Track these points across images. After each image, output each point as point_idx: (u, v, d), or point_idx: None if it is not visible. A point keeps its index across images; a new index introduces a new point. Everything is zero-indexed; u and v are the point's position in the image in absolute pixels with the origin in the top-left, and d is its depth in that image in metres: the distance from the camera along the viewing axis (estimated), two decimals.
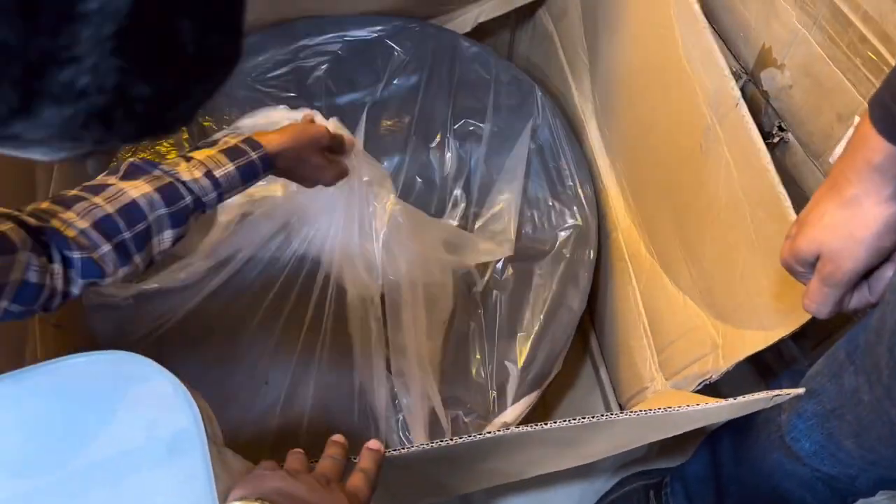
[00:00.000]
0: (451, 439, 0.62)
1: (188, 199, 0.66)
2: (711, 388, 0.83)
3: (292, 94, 1.15)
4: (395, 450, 0.62)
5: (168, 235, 0.65)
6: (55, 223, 0.59)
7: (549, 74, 1.28)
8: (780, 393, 0.64)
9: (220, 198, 0.69)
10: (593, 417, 0.65)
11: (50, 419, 0.48)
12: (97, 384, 0.49)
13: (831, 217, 0.54)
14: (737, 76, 0.85)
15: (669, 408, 0.64)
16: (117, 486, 0.46)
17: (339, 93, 1.18)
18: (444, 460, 0.72)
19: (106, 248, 0.60)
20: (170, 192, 0.65)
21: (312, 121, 0.85)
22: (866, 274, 0.56)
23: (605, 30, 1.03)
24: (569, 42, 1.19)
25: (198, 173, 0.67)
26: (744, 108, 0.73)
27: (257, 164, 0.72)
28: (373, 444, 0.61)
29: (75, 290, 0.60)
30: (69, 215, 0.60)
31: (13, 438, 0.47)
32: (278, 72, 1.14)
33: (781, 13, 0.76)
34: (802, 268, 0.58)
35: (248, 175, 0.71)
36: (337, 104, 1.17)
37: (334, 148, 0.85)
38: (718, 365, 0.82)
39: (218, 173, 0.68)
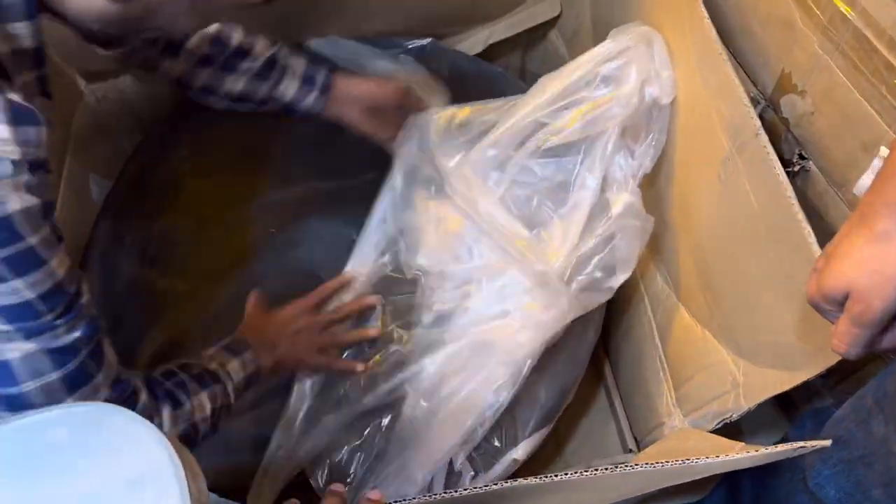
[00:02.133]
0: (457, 491, 0.59)
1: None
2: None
3: None
4: (396, 501, 0.59)
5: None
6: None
7: None
8: (806, 445, 0.60)
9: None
10: (611, 468, 0.62)
11: (14, 477, 0.45)
12: (71, 439, 0.46)
13: (860, 253, 0.51)
14: (755, 102, 0.82)
15: (690, 459, 0.61)
16: None
17: None
18: None
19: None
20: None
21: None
22: None
23: None
24: None
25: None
26: (764, 139, 0.70)
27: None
28: (373, 494, 0.58)
29: None
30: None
31: None
32: None
33: (802, 38, 0.73)
34: (830, 306, 0.54)
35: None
36: None
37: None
38: (740, 404, 0.78)
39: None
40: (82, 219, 1.04)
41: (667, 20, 0.85)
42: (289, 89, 0.90)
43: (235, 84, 0.88)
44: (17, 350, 0.53)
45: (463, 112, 0.95)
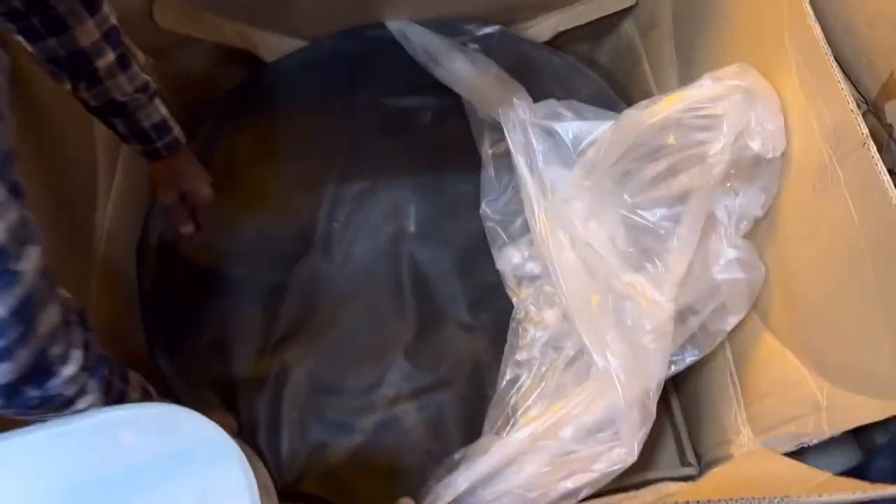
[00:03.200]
0: None
1: None
2: None
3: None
4: None
5: None
6: None
7: (631, 90, 1.20)
8: None
9: None
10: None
11: (86, 480, 0.43)
12: (142, 442, 0.44)
13: None
14: (856, 105, 0.77)
15: (787, 498, 0.56)
16: None
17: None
18: None
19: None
20: None
21: None
22: None
23: (702, 47, 0.95)
24: (657, 57, 1.12)
25: None
26: (873, 148, 0.65)
27: None
28: (405, 501, 0.56)
29: None
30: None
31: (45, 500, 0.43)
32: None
33: None
34: None
35: None
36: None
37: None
38: (821, 429, 0.73)
39: None
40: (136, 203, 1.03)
41: (763, 17, 0.80)
42: (152, 116, 0.83)
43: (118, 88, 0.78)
44: None
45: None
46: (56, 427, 0.45)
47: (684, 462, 1.03)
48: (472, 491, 0.84)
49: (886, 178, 0.64)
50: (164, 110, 0.84)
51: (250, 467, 0.43)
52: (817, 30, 0.71)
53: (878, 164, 0.64)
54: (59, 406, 0.55)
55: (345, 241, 1.06)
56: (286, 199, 1.07)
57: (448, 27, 1.09)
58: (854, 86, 0.79)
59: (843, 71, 0.80)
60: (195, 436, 0.44)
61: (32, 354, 0.50)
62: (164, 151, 0.85)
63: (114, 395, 0.61)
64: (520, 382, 0.93)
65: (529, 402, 0.91)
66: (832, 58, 0.70)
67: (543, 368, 0.94)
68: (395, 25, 1.08)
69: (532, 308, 0.97)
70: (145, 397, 0.67)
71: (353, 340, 1.00)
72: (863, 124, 0.66)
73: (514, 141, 0.99)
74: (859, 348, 0.69)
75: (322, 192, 1.08)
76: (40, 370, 0.52)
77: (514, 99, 1.01)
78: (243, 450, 0.43)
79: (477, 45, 1.10)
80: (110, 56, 0.75)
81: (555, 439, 0.85)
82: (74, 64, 0.74)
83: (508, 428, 0.90)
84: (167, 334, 0.97)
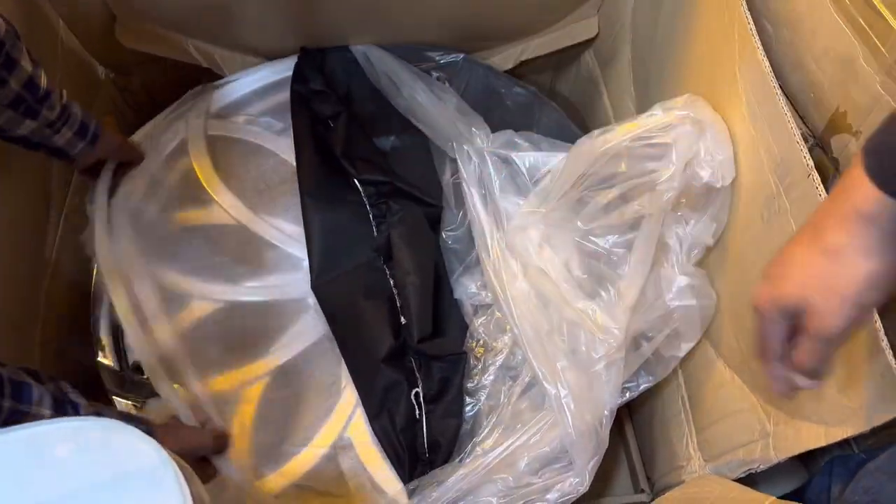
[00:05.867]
0: None
1: None
2: None
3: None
4: None
5: None
6: None
7: (590, 121, 1.22)
8: None
9: None
10: None
11: (14, 494, 0.42)
12: (78, 456, 0.42)
13: (813, 267, 0.52)
14: (804, 139, 0.79)
15: None
16: None
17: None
18: None
19: None
20: None
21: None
22: None
23: (660, 79, 0.97)
24: (615, 88, 1.14)
25: None
26: (817, 179, 0.66)
27: None
28: None
29: None
30: None
31: None
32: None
33: (863, 77, 0.70)
34: (779, 317, 0.55)
35: None
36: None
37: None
38: (768, 455, 0.74)
39: None
40: None
41: (716, 52, 0.82)
42: (63, 137, 0.86)
43: (28, 128, 0.81)
44: None
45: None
46: None
47: (637, 489, 1.04)
48: None
49: None
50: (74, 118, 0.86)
51: (186, 484, 0.42)
52: (766, 64, 0.73)
53: (822, 195, 0.66)
54: None
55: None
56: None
57: (412, 53, 1.10)
58: (802, 119, 0.82)
59: (792, 105, 0.82)
60: (131, 451, 0.43)
61: None
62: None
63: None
64: (474, 410, 0.93)
65: (484, 430, 0.91)
66: (780, 91, 0.72)
67: (500, 396, 0.93)
68: (358, 49, 1.09)
69: (485, 336, 0.98)
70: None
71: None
72: (808, 156, 0.68)
73: (468, 174, 1.00)
74: None
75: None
76: None
77: (473, 129, 1.02)
78: (180, 466, 0.42)
79: (441, 73, 1.11)
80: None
81: (510, 472, 0.85)
82: None
83: (461, 456, 0.89)
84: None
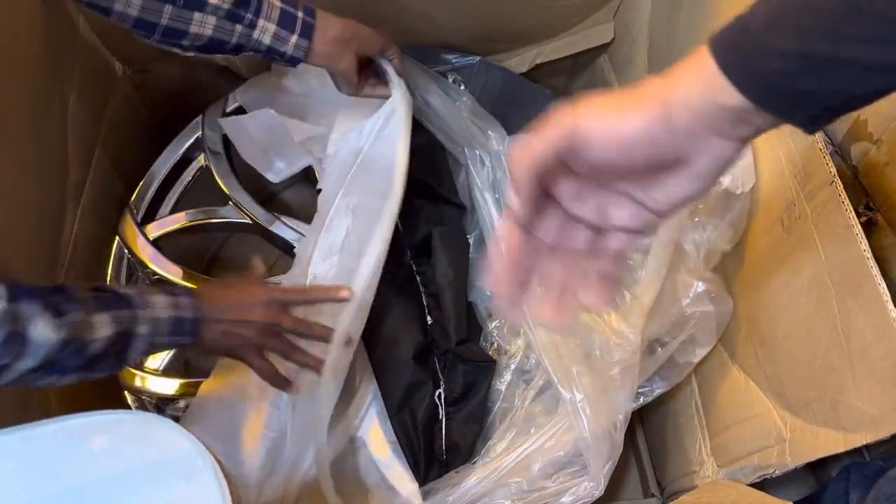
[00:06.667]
0: None
1: None
2: None
3: None
4: None
5: None
6: None
7: None
8: None
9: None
10: None
11: (52, 488, 0.42)
12: (114, 449, 0.43)
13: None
14: (824, 145, 0.79)
15: None
16: None
17: None
18: None
19: None
20: None
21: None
22: None
23: None
24: None
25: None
26: (840, 186, 0.67)
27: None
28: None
29: None
30: None
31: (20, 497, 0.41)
32: None
33: None
34: None
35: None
36: None
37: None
38: (784, 461, 0.74)
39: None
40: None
41: None
42: (266, 34, 0.78)
43: (203, 27, 0.76)
44: None
45: None
46: (21, 431, 0.44)
47: (647, 493, 1.04)
48: None
49: (852, 215, 0.66)
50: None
51: (224, 477, 0.42)
52: None
53: (846, 202, 0.66)
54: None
55: None
56: None
57: (428, 55, 1.10)
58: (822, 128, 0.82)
59: None
60: (169, 445, 0.43)
61: None
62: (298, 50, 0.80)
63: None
64: (491, 413, 0.94)
65: (498, 433, 0.91)
66: None
67: (514, 399, 0.94)
68: None
69: (499, 339, 0.98)
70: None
71: None
72: (830, 163, 0.68)
73: (480, 180, 1.01)
74: (823, 382, 0.70)
75: None
76: None
77: (489, 131, 1.02)
78: (217, 460, 0.43)
79: (457, 75, 1.12)
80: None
81: (524, 475, 0.85)
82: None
83: (475, 459, 0.89)
84: None
